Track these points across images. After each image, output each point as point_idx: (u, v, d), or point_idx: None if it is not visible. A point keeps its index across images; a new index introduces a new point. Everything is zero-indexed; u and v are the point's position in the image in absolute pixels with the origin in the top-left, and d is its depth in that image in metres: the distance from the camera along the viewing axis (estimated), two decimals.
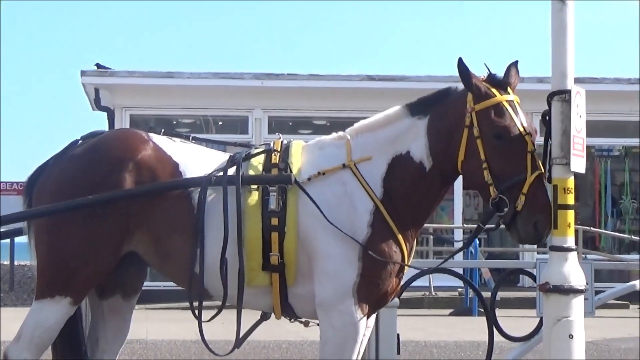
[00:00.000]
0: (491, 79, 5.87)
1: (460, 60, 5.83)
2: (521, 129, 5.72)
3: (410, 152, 5.91)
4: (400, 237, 5.90)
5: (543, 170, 5.68)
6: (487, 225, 6.08)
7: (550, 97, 5.57)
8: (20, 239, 7.06)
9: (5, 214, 7.05)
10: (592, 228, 21.01)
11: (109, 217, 6.01)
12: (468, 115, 5.75)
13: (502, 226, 5.81)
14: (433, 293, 20.42)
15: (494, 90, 5.79)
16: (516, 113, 5.78)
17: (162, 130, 6.73)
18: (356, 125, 6.15)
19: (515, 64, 6.02)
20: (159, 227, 6.08)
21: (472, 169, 5.79)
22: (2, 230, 7.19)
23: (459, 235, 22.13)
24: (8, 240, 7.46)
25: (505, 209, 5.63)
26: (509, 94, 5.82)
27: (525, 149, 5.66)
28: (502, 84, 5.87)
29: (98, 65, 22.13)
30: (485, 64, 5.84)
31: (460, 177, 6.06)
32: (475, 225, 6.68)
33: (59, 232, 6.14)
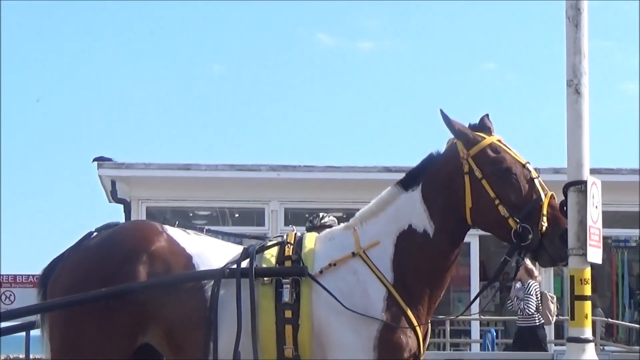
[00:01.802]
0: (472, 127, 5.92)
1: (441, 112, 5.84)
2: (521, 160, 5.78)
3: (412, 225, 5.89)
4: (415, 322, 5.81)
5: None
6: (511, 258, 5.93)
7: (567, 187, 5.54)
8: (35, 332, 6.96)
9: (19, 307, 6.96)
10: (609, 319, 20.71)
11: (123, 310, 5.94)
12: (465, 162, 5.75)
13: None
14: None
15: (479, 134, 5.84)
16: (509, 148, 5.84)
17: (177, 222, 6.67)
18: (358, 213, 6.15)
19: (487, 115, 6.01)
20: (172, 319, 6.01)
21: (484, 210, 5.76)
22: (17, 323, 7.09)
23: (475, 326, 22.05)
24: (23, 334, 7.35)
25: (530, 236, 5.58)
26: (493, 135, 5.88)
27: (531, 175, 5.72)
28: (484, 128, 5.92)
29: (100, 159, 21.90)
30: (440, 109, 5.86)
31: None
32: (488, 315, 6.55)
33: (72, 325, 6.05)
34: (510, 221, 5.68)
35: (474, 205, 5.79)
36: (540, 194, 5.69)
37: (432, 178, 5.93)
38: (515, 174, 5.76)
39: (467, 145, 5.83)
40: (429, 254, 5.88)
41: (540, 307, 16.92)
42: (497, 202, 5.71)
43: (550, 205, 5.67)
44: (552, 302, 16.79)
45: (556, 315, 17.25)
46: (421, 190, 5.92)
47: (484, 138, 5.87)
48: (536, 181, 5.77)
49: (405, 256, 5.88)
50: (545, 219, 5.62)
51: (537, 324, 16.66)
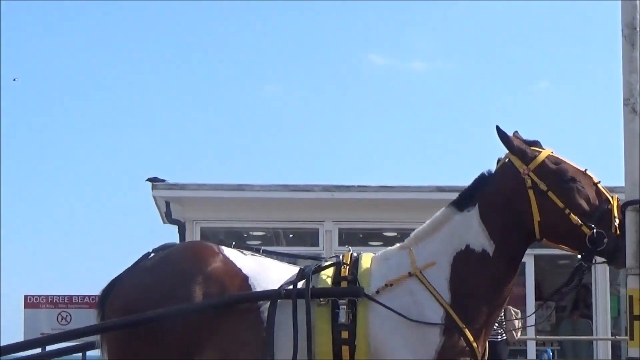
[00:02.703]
0: (525, 142, 5.92)
1: (498, 128, 5.85)
2: (580, 168, 5.80)
3: (469, 245, 5.87)
4: (473, 341, 5.79)
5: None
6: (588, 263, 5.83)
7: (624, 207, 5.48)
8: (92, 352, 6.97)
9: (79, 328, 6.99)
10: None
11: (178, 331, 5.97)
12: (527, 177, 5.73)
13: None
14: None
15: (534, 148, 5.86)
16: (563, 159, 5.86)
17: (233, 242, 6.65)
18: (413, 234, 6.13)
19: (515, 132, 5.97)
20: (227, 341, 6.00)
21: (554, 220, 5.73)
22: (75, 343, 7.12)
23: (531, 347, 21.77)
24: (80, 354, 7.44)
25: (605, 240, 5.56)
26: (547, 150, 5.89)
27: (594, 181, 5.74)
28: (534, 143, 5.94)
29: (154, 179, 22.02)
30: (497, 126, 5.87)
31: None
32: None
33: (130, 345, 6.09)
34: (584, 228, 5.65)
35: (543, 218, 5.76)
36: (608, 198, 5.71)
37: (489, 197, 5.91)
38: (580, 181, 5.76)
39: (525, 160, 5.81)
40: (488, 273, 5.86)
41: (504, 323, 16.52)
42: (567, 211, 5.68)
43: (619, 208, 5.63)
44: (517, 318, 16.43)
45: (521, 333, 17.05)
46: (478, 210, 5.89)
47: (540, 152, 5.88)
48: (599, 186, 5.80)
49: (463, 276, 5.86)
50: (617, 220, 5.62)
51: (499, 340, 16.31)
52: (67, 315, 23.61)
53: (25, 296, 24.72)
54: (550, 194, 5.75)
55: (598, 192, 5.82)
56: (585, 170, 5.87)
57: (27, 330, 23.10)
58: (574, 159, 5.93)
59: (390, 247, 6.33)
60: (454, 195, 6.14)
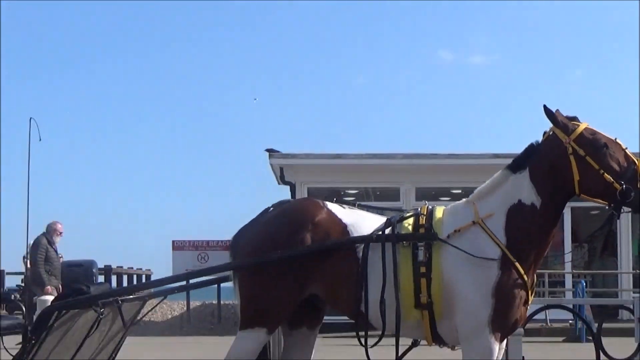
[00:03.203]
0: (568, 117, 5.96)
1: (545, 107, 5.91)
2: (611, 138, 5.81)
3: (521, 200, 5.90)
4: (524, 274, 5.84)
5: None
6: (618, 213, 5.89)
7: None
8: (225, 284, 7.21)
9: (216, 265, 7.21)
10: None
11: (293, 268, 6.08)
12: (568, 146, 5.78)
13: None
14: (549, 324, 20.17)
15: (573, 122, 5.89)
16: (598, 131, 5.87)
17: (334, 199, 6.82)
18: (476, 191, 6.18)
19: (557, 110, 6.00)
20: (332, 276, 6.12)
21: (591, 180, 5.77)
22: (212, 277, 7.36)
23: (569, 279, 22.01)
24: (215, 285, 7.68)
25: (632, 194, 5.64)
26: (584, 123, 5.90)
27: (623, 148, 5.76)
28: (573, 118, 5.96)
29: (271, 150, 22.57)
30: (544, 105, 5.88)
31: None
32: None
33: (256, 279, 6.23)
34: (615, 185, 5.68)
35: (582, 178, 5.79)
36: (634, 160, 5.72)
37: (537, 162, 5.94)
38: (611, 148, 5.78)
39: (567, 132, 5.83)
40: (536, 222, 5.91)
41: None
42: (602, 172, 5.71)
43: None
44: None
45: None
46: (529, 173, 5.94)
47: (579, 125, 5.89)
48: (627, 151, 5.79)
49: (515, 224, 5.90)
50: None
51: None
52: (205, 256, 24.11)
53: (173, 241, 25.39)
54: (587, 158, 5.76)
55: (626, 156, 5.82)
56: (616, 138, 5.86)
57: (174, 267, 23.68)
58: (605, 131, 6.00)
59: (457, 202, 6.42)
60: (508, 161, 6.21)
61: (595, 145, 5.77)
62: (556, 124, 5.89)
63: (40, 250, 16.58)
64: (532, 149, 6.04)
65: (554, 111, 5.94)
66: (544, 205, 5.91)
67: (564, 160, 5.83)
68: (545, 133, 6.03)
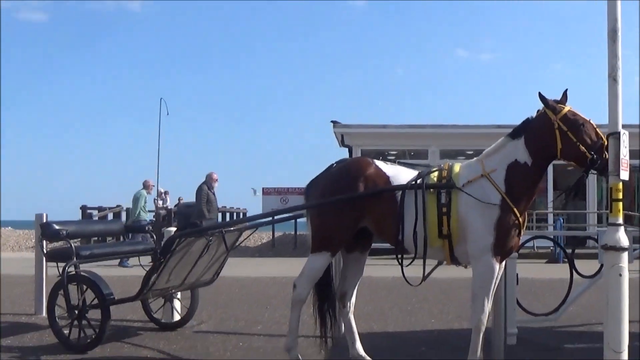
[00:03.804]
0: (555, 101, 6.02)
1: (540, 94, 6.05)
2: (587, 119, 5.88)
3: (517, 159, 6.03)
4: (518, 213, 5.96)
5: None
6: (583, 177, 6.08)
7: (609, 136, 5.60)
8: (300, 220, 7.55)
9: (295, 205, 7.54)
10: (630, 212, 20.58)
11: (350, 208, 6.30)
12: (555, 122, 5.89)
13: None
14: (535, 250, 20.73)
15: (560, 105, 5.97)
16: (578, 113, 5.97)
17: (380, 157, 7.10)
18: (484, 152, 6.29)
19: (565, 91, 6.12)
20: (378, 213, 6.30)
21: (570, 149, 5.87)
22: (289, 215, 7.72)
23: (550, 217, 22.42)
24: (293, 221, 8.03)
25: (599, 161, 5.74)
26: (568, 106, 5.99)
27: (594, 127, 5.84)
28: (562, 102, 6.02)
29: (334, 121, 23.03)
30: (539, 92, 6.04)
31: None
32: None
33: (324, 215, 6.46)
34: (587, 154, 5.78)
35: (563, 147, 5.89)
36: (602, 137, 5.76)
37: (531, 132, 6.04)
38: (586, 126, 5.84)
39: (555, 112, 5.91)
40: (528, 176, 6.01)
41: None
42: (578, 144, 5.81)
43: (607, 144, 5.67)
44: None
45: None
46: (524, 140, 6.05)
47: (564, 107, 5.95)
48: (598, 130, 5.84)
49: (513, 177, 6.02)
50: (606, 152, 5.69)
51: None
52: (286, 199, 24.70)
53: (263, 188, 26.08)
54: (568, 133, 5.85)
55: (597, 133, 5.85)
56: (590, 119, 5.90)
57: (264, 207, 24.36)
58: (581, 111, 6.16)
59: (470, 160, 6.61)
60: (507, 130, 6.32)
61: (575, 124, 5.84)
62: (547, 106, 5.95)
63: (202, 195, 17.27)
64: (527, 122, 6.12)
65: (545, 97, 6.06)
66: (534, 164, 6.01)
67: (551, 133, 5.91)
68: (538, 111, 6.08)
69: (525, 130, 6.12)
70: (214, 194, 17.65)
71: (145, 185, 18.56)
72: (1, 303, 10.64)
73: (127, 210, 30.10)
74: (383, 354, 7.16)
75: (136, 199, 18.34)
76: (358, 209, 6.37)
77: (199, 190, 17.50)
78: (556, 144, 5.93)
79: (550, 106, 5.98)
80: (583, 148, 5.83)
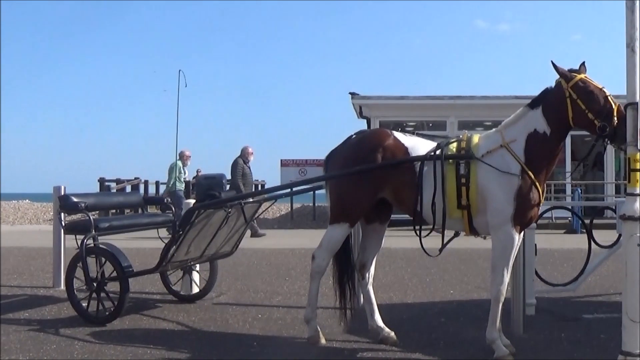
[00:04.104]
0: (571, 70, 6.00)
1: (552, 62, 6.03)
2: (598, 85, 5.86)
3: (536, 129, 6.02)
4: (537, 184, 5.97)
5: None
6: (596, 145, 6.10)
7: (626, 106, 5.54)
8: (319, 192, 7.59)
9: (314, 177, 7.55)
10: None
11: (369, 178, 6.31)
12: (566, 91, 5.88)
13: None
14: (554, 220, 20.74)
15: (574, 74, 5.94)
16: (591, 80, 5.93)
17: (399, 128, 7.10)
18: (503, 122, 6.27)
19: (583, 63, 6.09)
20: (397, 184, 6.31)
21: (580, 116, 5.87)
22: (309, 186, 7.74)
23: (568, 188, 22.48)
24: (311, 193, 8.01)
25: (607, 129, 5.73)
26: (582, 74, 5.96)
27: (605, 94, 5.79)
28: (577, 71, 5.99)
29: (353, 93, 23.02)
30: (551, 61, 6.01)
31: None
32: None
33: (342, 186, 6.46)
34: (596, 121, 5.76)
35: (574, 114, 5.88)
36: (612, 104, 5.74)
37: (548, 102, 6.03)
38: (597, 94, 5.82)
39: (567, 80, 5.90)
40: (547, 146, 6.00)
41: None
42: (587, 111, 5.81)
43: (618, 110, 5.71)
44: None
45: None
46: (542, 109, 6.04)
47: (576, 76, 5.93)
48: (609, 97, 5.79)
49: (532, 147, 6.02)
50: (615, 119, 5.70)
51: None
52: (304, 170, 24.80)
53: (281, 160, 26.15)
54: (578, 101, 5.85)
55: (606, 100, 5.81)
56: (602, 87, 5.88)
57: (282, 179, 24.45)
58: (601, 82, 6.14)
59: (489, 131, 6.63)
60: (525, 101, 6.32)
61: (584, 91, 5.84)
62: (560, 74, 5.95)
63: (238, 168, 17.61)
64: (545, 92, 6.11)
65: (559, 66, 6.00)
66: (552, 133, 6.00)
67: (563, 102, 5.91)
68: (556, 80, 6.06)
69: (543, 100, 6.11)
70: (249, 167, 17.84)
71: (181, 156, 18.69)
72: (16, 276, 10.77)
73: (156, 182, 30.27)
74: (402, 325, 7.19)
75: (171, 169, 18.45)
76: (377, 180, 6.38)
77: (235, 164, 17.66)
78: (567, 112, 5.95)
79: (562, 74, 5.98)
80: (591, 115, 5.83)
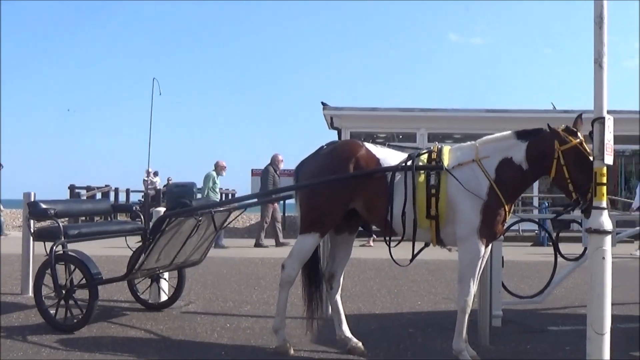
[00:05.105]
0: (567, 129, 5.96)
1: (548, 126, 6.06)
2: (590, 156, 5.70)
3: (513, 158, 6.04)
4: (504, 201, 5.99)
5: None
6: (568, 209, 6.29)
7: (593, 121, 5.51)
8: (289, 201, 7.61)
9: (284, 186, 7.57)
10: (614, 197, 21.01)
11: (342, 188, 6.30)
12: (556, 153, 5.86)
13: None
14: (521, 233, 20.92)
15: (570, 137, 5.89)
16: (585, 149, 5.86)
17: (370, 140, 7.13)
18: (483, 138, 6.28)
19: (580, 115, 6.06)
20: (369, 194, 6.30)
21: (560, 181, 5.90)
22: (279, 195, 7.73)
23: (536, 201, 22.63)
24: (282, 202, 8.08)
25: (581, 202, 5.79)
26: (578, 138, 5.90)
27: (592, 168, 5.55)
28: (573, 132, 5.94)
29: (324, 104, 23.11)
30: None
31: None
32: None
33: (313, 197, 6.45)
34: (574, 194, 5.84)
35: (555, 176, 5.92)
36: (592, 181, 5.53)
37: (536, 143, 6.05)
38: (585, 167, 5.76)
39: (561, 143, 5.88)
40: (520, 177, 6.08)
41: None
42: (568, 181, 5.84)
43: (595, 182, 5.51)
44: None
45: None
46: (527, 145, 6.07)
47: (571, 141, 5.89)
48: (595, 169, 5.50)
49: (504, 171, 6.05)
50: (589, 195, 5.62)
51: None
52: (280, 180, 24.74)
53: (252, 169, 25.92)
54: (564, 168, 5.86)
55: (590, 175, 5.59)
56: (593, 159, 5.58)
57: (252, 188, 24.20)
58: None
59: (463, 143, 6.46)
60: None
61: (574, 162, 5.84)
62: (557, 137, 5.95)
63: (269, 176, 17.79)
64: (537, 132, 6.12)
65: (557, 130, 6.00)
66: (529, 170, 6.06)
67: (550, 157, 5.92)
68: (549, 126, 6.09)
69: (532, 138, 6.14)
70: (278, 175, 17.90)
71: (216, 166, 18.58)
72: None
73: (127, 190, 30.02)
74: (370, 335, 7.20)
75: (206, 179, 18.34)
76: (348, 190, 6.38)
77: (266, 172, 17.81)
78: (551, 169, 5.96)
79: (558, 136, 5.98)
80: (571, 187, 5.87)
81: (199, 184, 18.59)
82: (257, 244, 18.29)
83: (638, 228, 9.77)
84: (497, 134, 6.25)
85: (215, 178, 18.34)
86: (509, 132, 6.22)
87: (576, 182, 5.85)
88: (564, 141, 5.91)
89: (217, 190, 18.63)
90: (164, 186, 24.68)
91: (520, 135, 6.16)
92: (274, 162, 18.03)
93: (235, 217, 8.50)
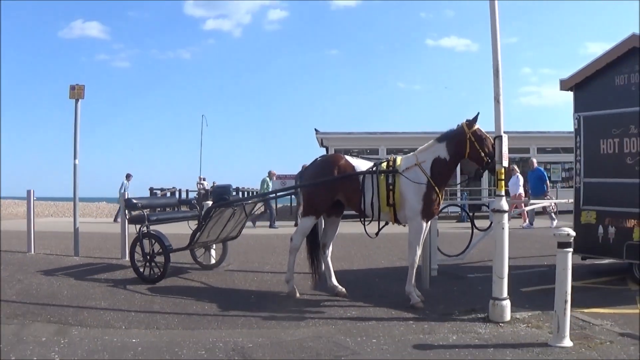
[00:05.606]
0: (468, 122, 5.96)
1: (466, 120, 5.96)
2: (488, 136, 5.84)
3: (439, 156, 6.00)
4: (438, 190, 5.98)
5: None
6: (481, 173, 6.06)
7: (494, 138, 5.57)
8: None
9: (289, 185, 7.56)
10: (507, 188, 20.52)
11: (329, 186, 6.30)
12: (468, 135, 5.85)
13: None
14: (449, 213, 20.27)
15: (473, 124, 5.92)
16: (482, 131, 5.92)
17: (349, 154, 7.11)
18: (418, 149, 6.25)
19: (477, 114, 6.01)
20: (347, 190, 6.30)
21: (475, 154, 5.86)
22: (286, 192, 7.70)
23: (459, 191, 21.83)
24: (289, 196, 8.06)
25: (490, 164, 5.74)
26: (477, 125, 5.93)
27: (491, 141, 5.71)
28: (473, 122, 5.95)
29: (316, 129, 23.01)
30: (478, 113, 5.92)
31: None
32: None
33: (311, 192, 6.45)
34: (485, 159, 5.80)
35: (470, 151, 5.89)
36: (494, 147, 5.62)
37: (451, 139, 6.02)
38: (487, 141, 5.84)
39: (469, 127, 5.90)
40: (445, 167, 6.01)
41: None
42: (481, 152, 5.83)
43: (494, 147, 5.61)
44: None
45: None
46: (446, 143, 6.04)
47: (474, 126, 5.92)
48: (494, 143, 5.65)
49: (436, 167, 6.02)
50: (487, 160, 5.77)
51: None
52: (285, 182, 24.47)
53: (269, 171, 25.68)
54: (475, 143, 5.86)
55: (488, 146, 5.81)
56: (489, 137, 5.82)
57: (272, 187, 24.04)
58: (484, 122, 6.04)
59: (408, 154, 6.60)
60: (433, 136, 6.36)
61: (480, 138, 5.85)
62: (466, 123, 5.95)
63: (265, 184, 17.65)
64: (450, 132, 6.09)
65: (468, 120, 5.93)
66: (450, 159, 6.01)
67: (464, 141, 5.89)
68: (458, 125, 6.06)
69: (447, 137, 6.09)
70: (272, 182, 17.86)
71: (270, 174, 18.56)
72: (97, 251, 10.61)
73: (186, 190, 29.85)
74: (350, 284, 7.21)
75: (262, 183, 18.35)
76: (334, 187, 6.36)
77: (264, 181, 17.77)
78: (466, 149, 5.90)
79: (467, 123, 5.94)
80: (483, 154, 5.84)
81: (234, 185, 18.51)
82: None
83: (522, 209, 9.80)
84: (426, 144, 6.22)
85: (268, 181, 18.36)
86: (432, 140, 6.19)
87: (485, 150, 5.81)
88: (471, 126, 5.91)
89: (268, 189, 18.64)
90: (210, 187, 24.58)
91: (439, 139, 6.12)
92: (270, 175, 18.13)
93: (259, 207, 8.46)
